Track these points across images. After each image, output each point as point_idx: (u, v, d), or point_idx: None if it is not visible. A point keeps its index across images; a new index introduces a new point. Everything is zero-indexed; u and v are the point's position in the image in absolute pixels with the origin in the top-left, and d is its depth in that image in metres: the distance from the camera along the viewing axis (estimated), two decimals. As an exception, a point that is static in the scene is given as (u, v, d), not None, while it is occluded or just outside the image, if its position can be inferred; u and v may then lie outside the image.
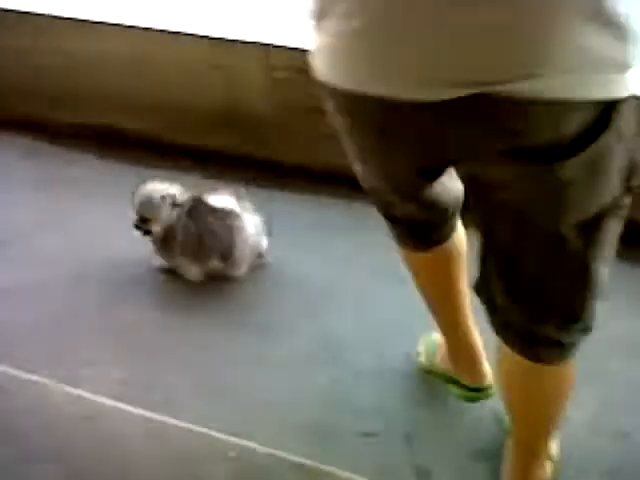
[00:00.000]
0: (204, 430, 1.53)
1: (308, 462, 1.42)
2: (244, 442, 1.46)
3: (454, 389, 1.86)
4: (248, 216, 2.24)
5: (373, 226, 1.66)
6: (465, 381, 1.83)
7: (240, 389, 1.98)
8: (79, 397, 1.62)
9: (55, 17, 2.74)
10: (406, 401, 1.91)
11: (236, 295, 2.22)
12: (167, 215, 2.18)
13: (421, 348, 1.97)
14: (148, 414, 1.60)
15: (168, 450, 1.49)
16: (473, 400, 1.83)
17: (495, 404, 1.69)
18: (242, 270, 2.24)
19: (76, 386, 1.65)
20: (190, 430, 1.55)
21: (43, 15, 2.76)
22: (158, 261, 2.30)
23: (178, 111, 2.79)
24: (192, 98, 2.75)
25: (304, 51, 2.22)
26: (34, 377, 1.68)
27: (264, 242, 2.28)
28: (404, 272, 1.65)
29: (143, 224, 2.20)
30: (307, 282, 2.25)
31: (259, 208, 2.30)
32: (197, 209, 2.20)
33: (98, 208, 2.57)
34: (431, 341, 1.95)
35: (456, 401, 1.81)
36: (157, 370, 2.07)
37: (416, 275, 1.68)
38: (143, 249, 2.25)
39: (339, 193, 2.57)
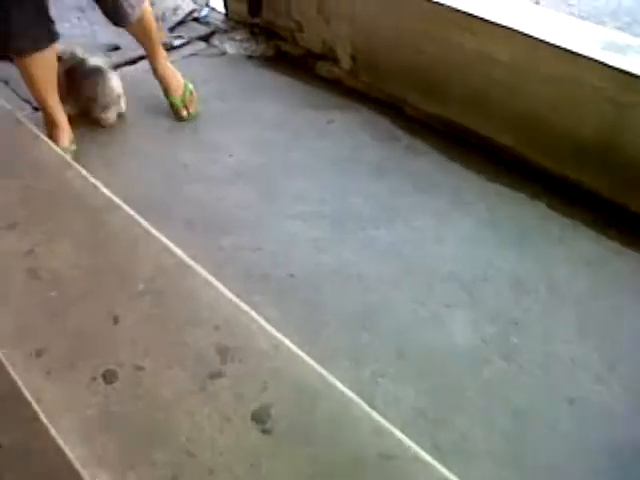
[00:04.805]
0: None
1: None
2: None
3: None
4: (114, 75, 2.98)
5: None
6: None
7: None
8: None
9: (440, 4, 2.70)
10: None
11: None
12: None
13: None
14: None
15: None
16: None
17: None
18: (108, 115, 2.96)
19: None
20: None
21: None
22: None
23: (547, 132, 2.56)
24: (569, 123, 2.48)
25: None
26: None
27: (123, 101, 3.00)
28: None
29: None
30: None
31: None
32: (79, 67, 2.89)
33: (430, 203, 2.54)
34: None
35: None
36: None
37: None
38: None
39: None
